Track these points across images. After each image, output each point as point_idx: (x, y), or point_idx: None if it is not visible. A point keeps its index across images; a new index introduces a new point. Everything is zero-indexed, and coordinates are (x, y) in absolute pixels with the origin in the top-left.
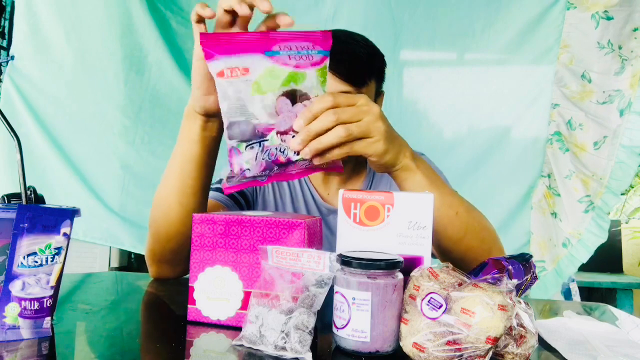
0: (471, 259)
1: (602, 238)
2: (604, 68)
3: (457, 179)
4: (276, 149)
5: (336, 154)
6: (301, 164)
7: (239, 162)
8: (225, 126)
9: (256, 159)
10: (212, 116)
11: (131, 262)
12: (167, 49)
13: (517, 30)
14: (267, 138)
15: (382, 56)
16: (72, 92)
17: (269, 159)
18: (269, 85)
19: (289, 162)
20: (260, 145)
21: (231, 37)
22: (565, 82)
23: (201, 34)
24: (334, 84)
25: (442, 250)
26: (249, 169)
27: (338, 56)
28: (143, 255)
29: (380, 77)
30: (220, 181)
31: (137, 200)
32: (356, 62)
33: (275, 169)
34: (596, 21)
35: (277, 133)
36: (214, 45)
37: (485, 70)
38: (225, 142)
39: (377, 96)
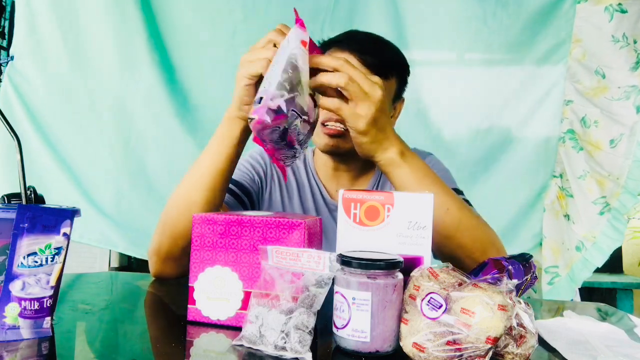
0: (463, 256)
1: (619, 241)
2: (619, 63)
3: (466, 179)
4: (297, 133)
5: (328, 103)
6: (289, 155)
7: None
8: (290, 86)
9: (289, 125)
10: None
11: (131, 262)
12: (160, 49)
13: (526, 25)
14: (301, 117)
15: (407, 64)
16: (68, 92)
17: (290, 133)
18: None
19: (292, 147)
20: (296, 117)
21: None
22: (578, 77)
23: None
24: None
25: (435, 246)
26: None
27: (365, 45)
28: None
29: (401, 80)
30: None
31: (130, 201)
32: (382, 55)
33: (283, 144)
34: (610, 14)
35: (303, 121)
36: (303, 23)
37: (494, 68)
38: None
39: (397, 99)
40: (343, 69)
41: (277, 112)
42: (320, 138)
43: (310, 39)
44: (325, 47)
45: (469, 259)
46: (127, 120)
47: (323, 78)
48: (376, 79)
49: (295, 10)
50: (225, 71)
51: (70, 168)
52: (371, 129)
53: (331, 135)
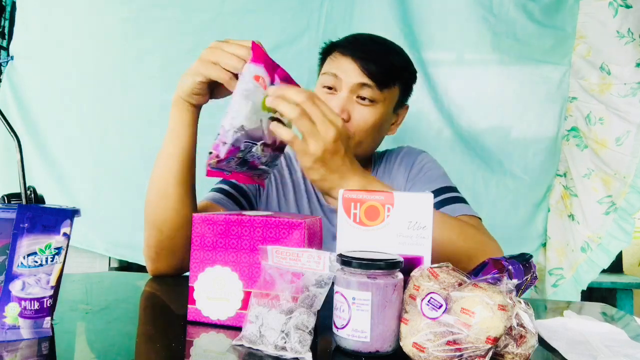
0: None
1: (626, 242)
2: (624, 59)
3: (468, 178)
4: (257, 157)
5: (283, 133)
6: (259, 172)
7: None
8: (241, 119)
9: (242, 152)
10: (199, 107)
11: (131, 263)
12: (135, 19)
13: (530, 22)
14: (257, 144)
15: (413, 71)
16: (50, 85)
17: (249, 159)
18: (265, 107)
19: (257, 168)
20: (251, 146)
21: (267, 56)
22: (583, 74)
23: (254, 42)
24: (358, 76)
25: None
26: (233, 158)
27: (369, 52)
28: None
29: (406, 89)
30: (218, 181)
31: (108, 197)
32: (385, 63)
33: (245, 168)
34: (614, 9)
35: (262, 145)
36: (261, 53)
37: (496, 66)
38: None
39: (400, 107)
40: (303, 105)
41: (232, 144)
42: None
43: (273, 62)
44: (329, 50)
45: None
46: (106, 112)
47: (280, 107)
48: (335, 117)
49: (253, 44)
50: (211, 41)
51: (52, 162)
52: (318, 168)
53: None
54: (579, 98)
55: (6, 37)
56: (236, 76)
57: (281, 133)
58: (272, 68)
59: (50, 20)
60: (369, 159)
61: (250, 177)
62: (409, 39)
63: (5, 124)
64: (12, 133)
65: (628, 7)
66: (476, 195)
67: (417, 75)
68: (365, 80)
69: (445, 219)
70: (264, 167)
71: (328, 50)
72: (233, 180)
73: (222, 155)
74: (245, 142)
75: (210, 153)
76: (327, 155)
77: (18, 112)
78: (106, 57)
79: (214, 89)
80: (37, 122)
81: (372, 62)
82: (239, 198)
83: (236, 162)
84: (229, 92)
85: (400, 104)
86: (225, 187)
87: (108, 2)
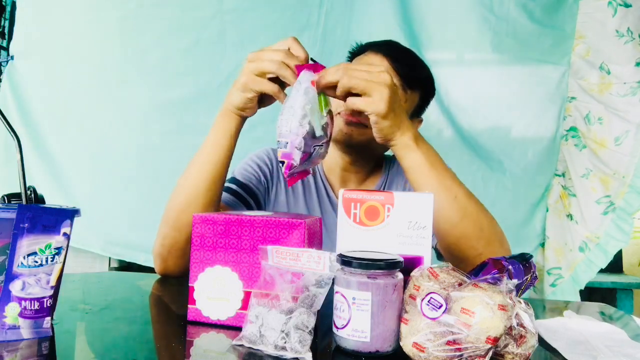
0: (466, 246)
1: (624, 242)
2: (624, 58)
3: (468, 178)
4: (321, 155)
5: (346, 103)
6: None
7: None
8: (306, 124)
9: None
10: (246, 118)
11: (131, 262)
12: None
13: (529, 22)
14: (322, 144)
15: (434, 87)
16: (50, 85)
17: (314, 158)
18: (321, 108)
19: (316, 163)
20: (318, 147)
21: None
22: (582, 74)
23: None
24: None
25: (438, 234)
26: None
27: (399, 54)
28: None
29: (424, 98)
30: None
31: (107, 197)
32: (413, 67)
33: (308, 166)
34: (614, 9)
35: (325, 143)
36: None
37: (495, 66)
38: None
39: (416, 116)
40: (345, 69)
41: (303, 151)
42: (335, 125)
43: (312, 58)
44: (362, 49)
45: (473, 249)
46: (105, 112)
47: (327, 78)
48: (380, 68)
49: (310, 59)
50: (210, 39)
51: (53, 164)
52: (390, 112)
53: (348, 123)
54: (578, 98)
55: (6, 37)
56: (282, 85)
57: (352, 102)
58: (315, 69)
59: (50, 20)
60: (379, 162)
61: (307, 172)
62: (409, 38)
63: (5, 124)
64: (12, 133)
65: (627, 6)
66: (475, 195)
67: None
68: (395, 79)
69: (476, 200)
70: (321, 160)
71: (359, 51)
72: (241, 180)
73: (297, 162)
74: (315, 146)
75: (283, 162)
76: (394, 96)
77: (18, 112)
78: (105, 56)
79: (263, 99)
80: (37, 122)
81: (402, 63)
82: (248, 200)
83: (305, 165)
84: (274, 100)
85: (417, 113)
86: (234, 187)
87: (107, 1)
